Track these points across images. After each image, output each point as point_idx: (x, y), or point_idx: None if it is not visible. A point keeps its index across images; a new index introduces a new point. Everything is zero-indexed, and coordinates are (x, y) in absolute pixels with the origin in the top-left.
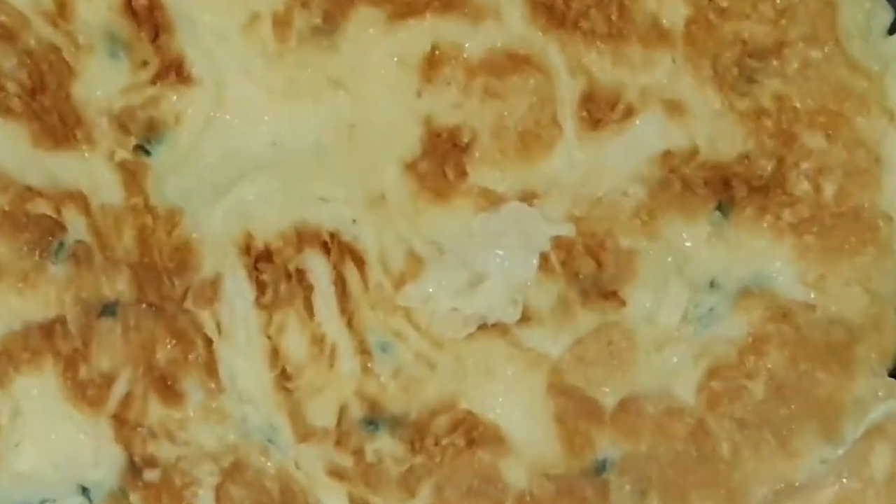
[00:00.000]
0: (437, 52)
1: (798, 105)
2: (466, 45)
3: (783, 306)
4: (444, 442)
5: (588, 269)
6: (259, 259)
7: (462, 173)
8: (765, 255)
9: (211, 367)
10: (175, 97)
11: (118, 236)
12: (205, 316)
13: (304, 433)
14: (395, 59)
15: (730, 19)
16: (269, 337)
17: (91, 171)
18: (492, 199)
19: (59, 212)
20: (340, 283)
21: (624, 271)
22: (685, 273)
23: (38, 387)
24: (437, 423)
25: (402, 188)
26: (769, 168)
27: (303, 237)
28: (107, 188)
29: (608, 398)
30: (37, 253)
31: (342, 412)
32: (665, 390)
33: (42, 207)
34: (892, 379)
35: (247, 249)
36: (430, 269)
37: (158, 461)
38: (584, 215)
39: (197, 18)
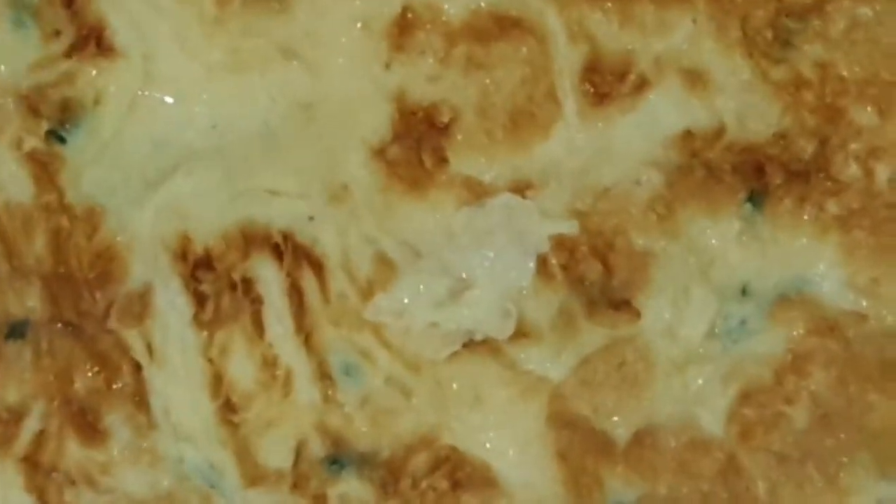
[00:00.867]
0: (409, 15)
1: (844, 74)
2: (445, 6)
3: (829, 317)
4: (424, 485)
5: (594, 274)
6: (198, 266)
7: (441, 160)
8: (806, 255)
9: (140, 399)
10: (94, 72)
11: (28, 241)
12: (132, 336)
13: (254, 476)
14: (359, 23)
15: None
16: (210, 360)
17: None
18: (477, 192)
19: None
20: (296, 294)
21: (637, 277)
22: (711, 278)
23: None
24: (414, 463)
25: (368, 179)
26: (810, 150)
27: (250, 239)
28: (13, 183)
29: (620, 430)
30: None
31: (300, 450)
32: (688, 419)
33: None
34: None
35: (182, 255)
36: (404, 275)
37: None
38: (588, 209)
39: None
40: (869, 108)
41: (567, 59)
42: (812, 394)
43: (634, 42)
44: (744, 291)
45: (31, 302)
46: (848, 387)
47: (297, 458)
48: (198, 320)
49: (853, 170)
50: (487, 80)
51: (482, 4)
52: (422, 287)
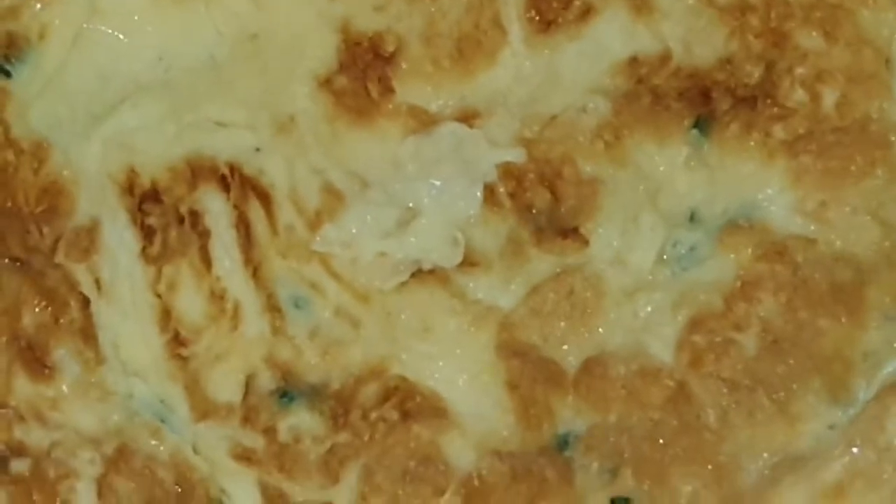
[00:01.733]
0: None
1: None
2: None
3: (777, 242)
4: (374, 416)
5: (543, 202)
6: (144, 200)
7: (387, 89)
8: (754, 180)
9: (88, 334)
10: (39, 6)
11: None
12: (80, 271)
13: (204, 410)
14: None
15: None
16: (158, 295)
17: None
18: (424, 120)
19: None
20: (243, 227)
21: (586, 204)
22: (659, 205)
23: None
24: (364, 394)
25: (315, 109)
26: (756, 75)
27: (196, 171)
28: None
29: (570, 358)
30: None
31: (249, 383)
32: (638, 347)
33: None
34: None
35: (129, 189)
36: (352, 206)
37: (28, 449)
38: (535, 137)
39: None
40: (814, 33)
41: None
42: (762, 320)
43: None
44: (692, 218)
45: None
46: (798, 312)
47: (247, 392)
48: (145, 254)
49: (799, 94)
50: (433, 9)
51: None
52: (369, 217)
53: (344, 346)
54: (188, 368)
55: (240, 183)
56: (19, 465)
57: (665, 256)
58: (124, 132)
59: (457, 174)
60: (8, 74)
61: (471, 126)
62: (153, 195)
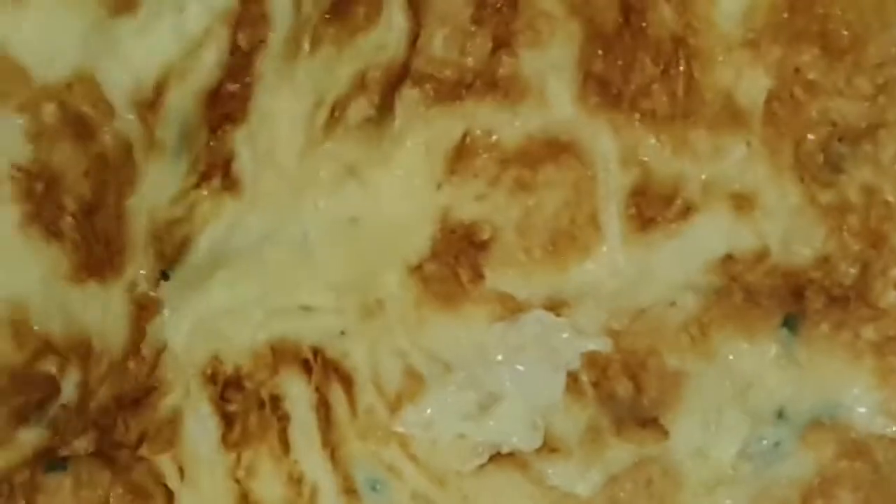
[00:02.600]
0: (467, 140)
1: (890, 199)
2: (503, 132)
3: (859, 441)
4: None
5: (625, 391)
6: (227, 387)
7: (478, 276)
8: (840, 379)
9: None
10: (208, 204)
11: (99, 388)
12: (164, 462)
13: None
14: (423, 147)
15: (818, 95)
16: (237, 481)
17: (106, 304)
18: (511, 307)
19: (62, 370)
20: (323, 409)
21: (668, 396)
22: (748, 401)
23: None
24: None
25: (404, 294)
26: (851, 274)
27: (279, 356)
28: (113, 329)
29: None
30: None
31: None
32: None
33: (48, 364)
34: None
35: (212, 377)
36: (433, 388)
37: None
38: (623, 329)
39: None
40: None
41: (616, 183)
42: None
43: (685, 167)
44: (779, 414)
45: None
46: None
47: None
48: (226, 441)
49: (892, 296)
50: (531, 202)
51: (538, 130)
52: (450, 399)
53: None
54: None
55: (322, 366)
56: None
57: (748, 451)
58: (213, 316)
59: (540, 360)
60: (167, 277)
61: (558, 315)
62: (235, 382)
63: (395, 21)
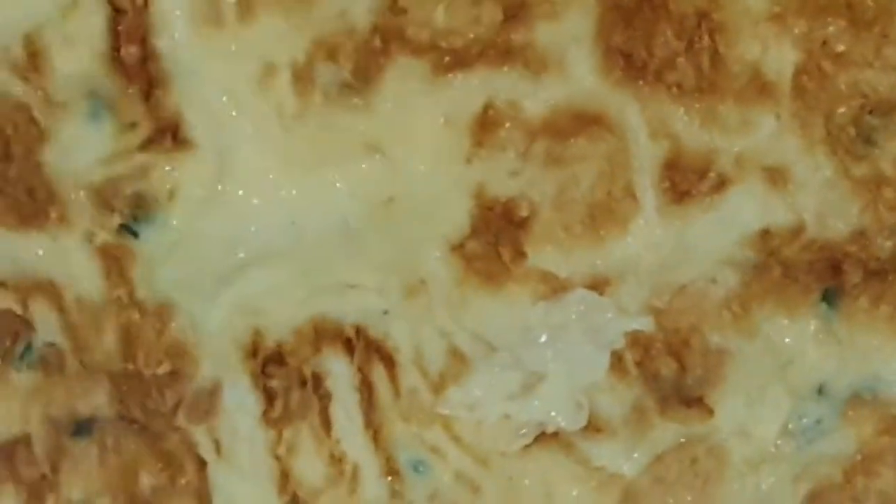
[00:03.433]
0: (490, 112)
1: None
2: (526, 103)
3: None
4: None
5: (669, 371)
6: (268, 362)
7: (519, 254)
8: (880, 354)
9: (202, 495)
10: (169, 167)
11: (97, 337)
12: (199, 432)
13: None
14: (442, 119)
15: (848, 68)
16: (277, 458)
17: (65, 256)
18: (554, 286)
19: (25, 306)
20: (366, 390)
21: (712, 374)
22: (788, 377)
23: None
24: None
25: (446, 273)
26: (888, 248)
27: (322, 333)
28: (84, 278)
29: None
30: None
31: None
32: None
33: (5, 301)
34: None
35: (253, 351)
36: (477, 369)
37: None
38: (665, 307)
39: (200, 70)
40: None
41: (647, 156)
42: (880, 493)
43: (716, 140)
44: (820, 391)
45: (98, 399)
46: None
47: None
48: (266, 417)
49: None
50: (566, 175)
51: (563, 101)
52: (494, 380)
53: None
54: None
55: (364, 346)
56: None
57: (790, 428)
58: (252, 295)
59: (584, 340)
60: (135, 234)
61: (601, 293)
62: (277, 357)
63: None
